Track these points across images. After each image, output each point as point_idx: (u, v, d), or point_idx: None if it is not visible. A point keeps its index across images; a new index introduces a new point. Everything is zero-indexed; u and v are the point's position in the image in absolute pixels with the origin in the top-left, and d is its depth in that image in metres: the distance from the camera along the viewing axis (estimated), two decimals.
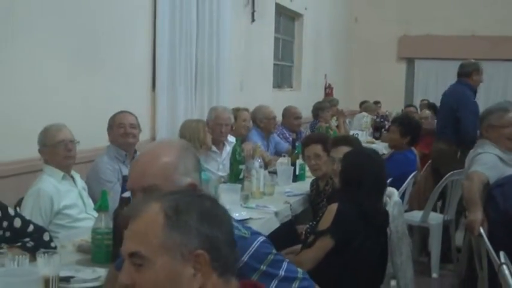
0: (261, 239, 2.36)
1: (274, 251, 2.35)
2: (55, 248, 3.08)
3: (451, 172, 6.57)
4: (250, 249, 2.28)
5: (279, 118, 8.39)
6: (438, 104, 13.33)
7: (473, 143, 6.47)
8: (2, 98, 4.66)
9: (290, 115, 8.14)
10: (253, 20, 9.63)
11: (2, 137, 4.47)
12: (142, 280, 1.62)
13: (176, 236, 1.62)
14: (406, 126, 6.54)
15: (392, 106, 13.85)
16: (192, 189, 2.13)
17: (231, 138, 6.20)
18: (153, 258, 1.61)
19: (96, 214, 3.95)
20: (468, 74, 7.46)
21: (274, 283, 2.26)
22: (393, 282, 4.51)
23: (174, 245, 1.62)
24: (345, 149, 4.43)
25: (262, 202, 4.77)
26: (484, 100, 14.22)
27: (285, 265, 2.32)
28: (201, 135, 5.61)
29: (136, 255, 1.63)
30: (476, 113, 6.87)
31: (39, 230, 3.21)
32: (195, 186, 2.40)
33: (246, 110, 7.17)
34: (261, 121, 7.38)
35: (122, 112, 4.97)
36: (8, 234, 3.03)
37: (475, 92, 7.50)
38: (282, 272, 2.29)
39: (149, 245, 1.62)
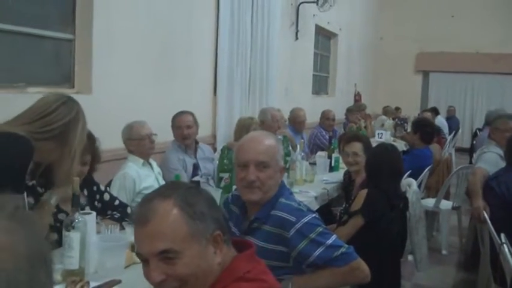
0: (314, 214, 2.41)
1: (323, 225, 2.38)
2: None
3: (460, 166, 6.51)
4: (303, 219, 2.33)
5: (316, 119, 8.38)
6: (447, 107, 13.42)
7: None
8: (100, 98, 4.77)
9: (326, 117, 8.11)
10: (296, 38, 9.64)
11: (98, 129, 4.56)
12: (176, 272, 1.51)
13: (198, 224, 1.54)
14: (417, 125, 6.51)
15: (410, 111, 13.75)
16: (182, 182, 2.04)
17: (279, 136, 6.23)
18: (184, 250, 1.51)
19: None
20: None
21: (320, 249, 2.30)
22: (410, 257, 4.49)
23: (199, 232, 1.54)
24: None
25: (304, 188, 4.78)
26: (485, 108, 14.09)
27: (333, 237, 2.35)
28: (252, 128, 5.55)
29: (167, 251, 1.50)
30: None
31: (123, 205, 3.27)
32: (284, 169, 2.52)
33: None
34: (290, 120, 7.46)
35: (180, 114, 4.93)
36: (99, 205, 3.09)
37: None
38: (329, 242, 2.32)
39: (177, 239, 1.51)
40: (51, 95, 2.58)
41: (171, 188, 1.62)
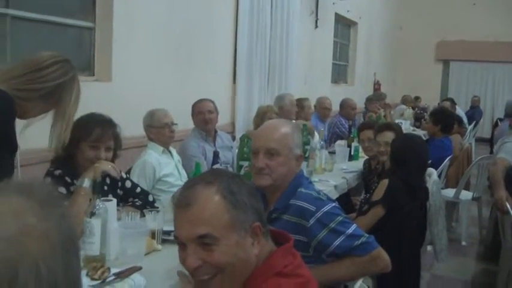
0: (334, 204, 2.40)
1: (343, 214, 2.37)
2: (157, 207, 3.12)
3: (480, 157, 6.46)
4: (323, 209, 2.32)
5: (335, 108, 8.33)
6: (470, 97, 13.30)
7: None
8: (120, 85, 4.81)
9: (348, 106, 8.01)
10: (316, 27, 9.60)
11: (117, 117, 4.59)
12: (213, 258, 1.51)
13: (239, 214, 1.54)
14: (438, 116, 6.44)
15: (430, 100, 13.64)
16: (225, 170, 2.00)
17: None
18: (223, 238, 1.51)
19: None
20: None
21: (340, 238, 2.29)
22: (430, 248, 4.47)
23: (239, 222, 1.54)
24: (389, 134, 4.38)
25: (324, 177, 4.76)
26: (506, 97, 13.95)
27: (353, 227, 2.34)
28: (267, 116, 5.52)
29: (206, 236, 1.50)
30: None
31: (145, 193, 3.27)
32: (302, 157, 2.50)
33: (309, 100, 7.17)
34: (316, 107, 7.49)
35: (201, 101, 4.91)
36: (121, 193, 3.09)
37: None
38: (349, 231, 2.31)
39: (218, 226, 1.51)
40: (47, 52, 2.53)
41: (215, 175, 1.61)
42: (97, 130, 2.84)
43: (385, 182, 3.58)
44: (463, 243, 6.18)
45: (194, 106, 4.90)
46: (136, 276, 2.21)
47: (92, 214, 2.30)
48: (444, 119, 6.36)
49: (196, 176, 1.67)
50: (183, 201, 1.55)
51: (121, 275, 2.19)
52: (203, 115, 4.82)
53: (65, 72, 2.47)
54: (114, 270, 2.21)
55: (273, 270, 1.59)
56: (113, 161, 3.00)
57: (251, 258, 1.57)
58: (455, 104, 12.01)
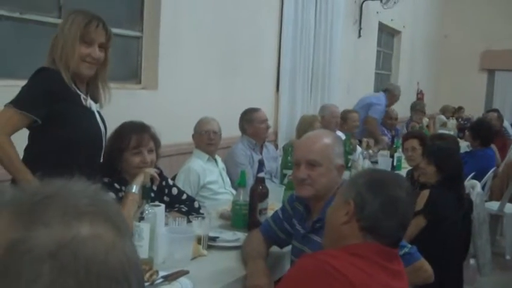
0: None
1: None
2: (203, 214, 3.18)
3: None
4: None
5: None
6: None
7: None
8: (166, 93, 4.91)
9: (388, 116, 8.03)
10: (359, 36, 9.58)
11: (163, 124, 4.69)
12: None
13: (347, 188, 1.91)
14: (475, 130, 6.36)
15: (474, 111, 13.44)
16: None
17: (339, 133, 6.21)
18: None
19: (232, 190, 4.09)
20: None
21: None
22: (473, 261, 4.44)
23: (345, 192, 1.90)
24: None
25: None
26: None
27: None
28: (313, 126, 5.54)
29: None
30: None
31: (191, 199, 3.33)
32: (343, 167, 2.54)
33: (356, 112, 7.12)
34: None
35: (258, 110, 4.93)
36: (167, 199, 3.16)
37: None
38: None
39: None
40: None
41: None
42: (134, 137, 2.94)
43: (425, 193, 3.57)
44: (507, 257, 6.09)
45: (252, 114, 4.88)
46: (183, 279, 2.28)
47: (141, 218, 2.39)
48: (481, 133, 6.27)
49: None
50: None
51: (169, 278, 2.26)
52: (264, 124, 4.87)
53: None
54: (162, 273, 2.28)
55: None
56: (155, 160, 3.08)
57: (339, 221, 1.87)
58: (502, 115, 11.82)
